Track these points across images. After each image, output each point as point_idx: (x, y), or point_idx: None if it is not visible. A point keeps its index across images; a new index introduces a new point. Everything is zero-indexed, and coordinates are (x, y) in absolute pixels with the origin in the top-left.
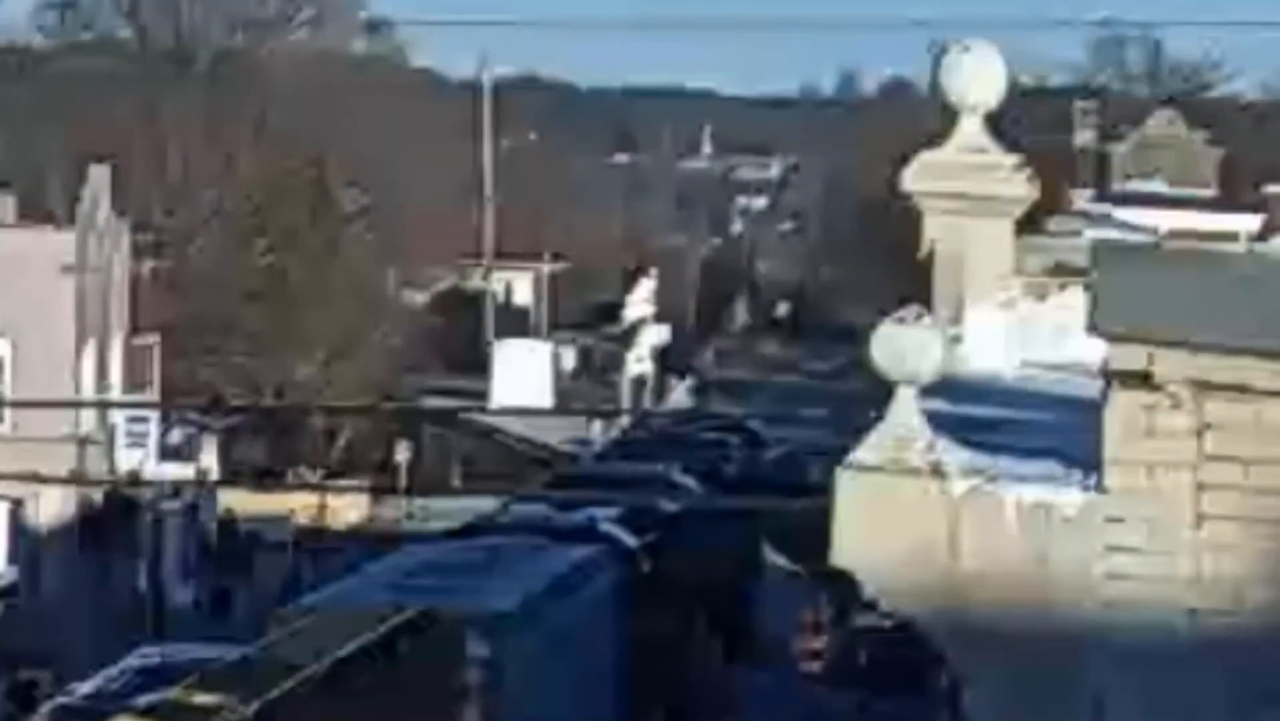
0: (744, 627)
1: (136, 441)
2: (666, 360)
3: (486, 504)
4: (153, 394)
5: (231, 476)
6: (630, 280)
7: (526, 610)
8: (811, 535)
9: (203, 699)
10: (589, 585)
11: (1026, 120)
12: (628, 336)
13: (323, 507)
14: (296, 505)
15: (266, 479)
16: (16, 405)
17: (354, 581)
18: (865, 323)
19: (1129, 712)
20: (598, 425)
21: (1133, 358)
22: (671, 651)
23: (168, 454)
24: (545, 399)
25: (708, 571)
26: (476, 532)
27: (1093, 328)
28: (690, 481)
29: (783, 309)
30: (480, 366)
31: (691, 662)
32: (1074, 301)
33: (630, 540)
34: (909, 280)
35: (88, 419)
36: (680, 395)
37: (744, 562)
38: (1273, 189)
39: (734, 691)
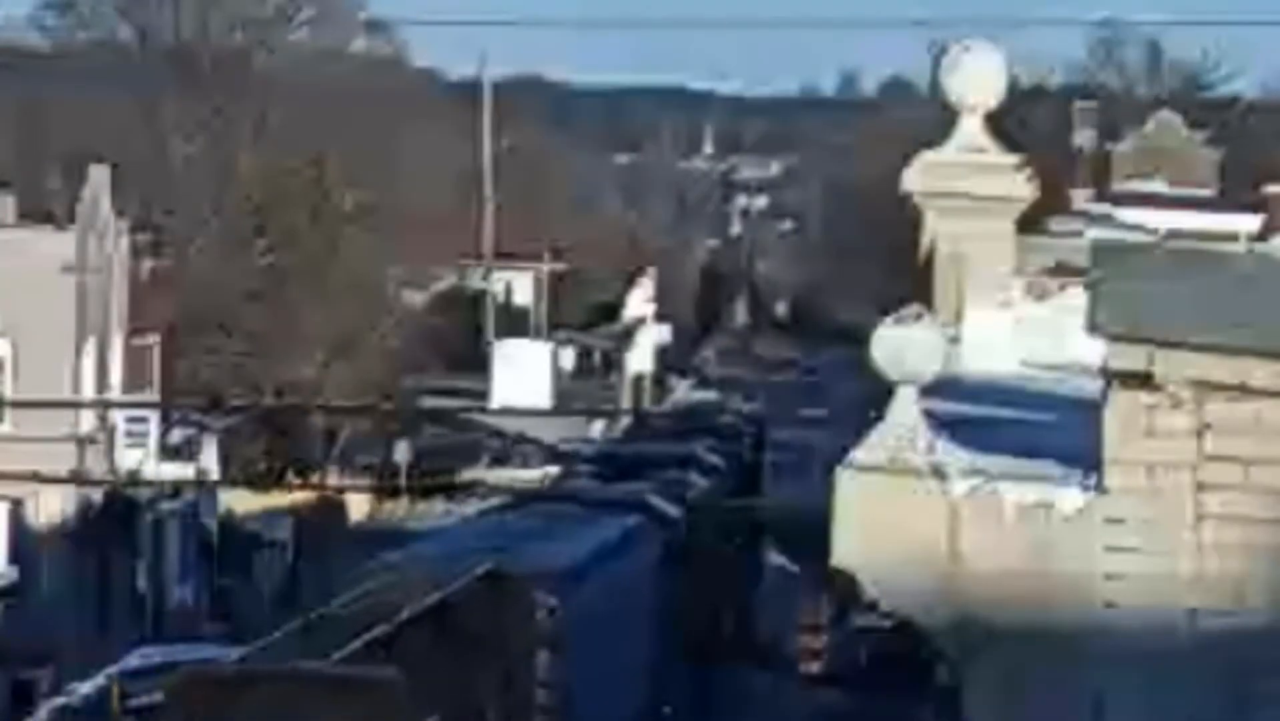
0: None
1: (136, 441)
2: (666, 359)
3: (486, 504)
4: (153, 394)
5: (231, 477)
6: (630, 280)
7: (587, 568)
8: (812, 535)
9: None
10: (639, 547)
11: (1026, 120)
12: (627, 336)
13: (322, 507)
14: (296, 504)
15: (266, 479)
16: (16, 405)
17: (433, 543)
18: (865, 322)
19: (1129, 712)
20: (598, 425)
21: (1133, 357)
22: (706, 603)
23: (168, 454)
24: (545, 399)
25: (733, 536)
26: (531, 504)
27: (1093, 328)
28: (717, 459)
29: (782, 309)
30: (480, 366)
31: (721, 616)
32: (1074, 301)
33: (672, 510)
34: (909, 280)
35: (88, 419)
36: (684, 390)
37: (757, 532)
38: (1273, 189)
39: (737, 685)
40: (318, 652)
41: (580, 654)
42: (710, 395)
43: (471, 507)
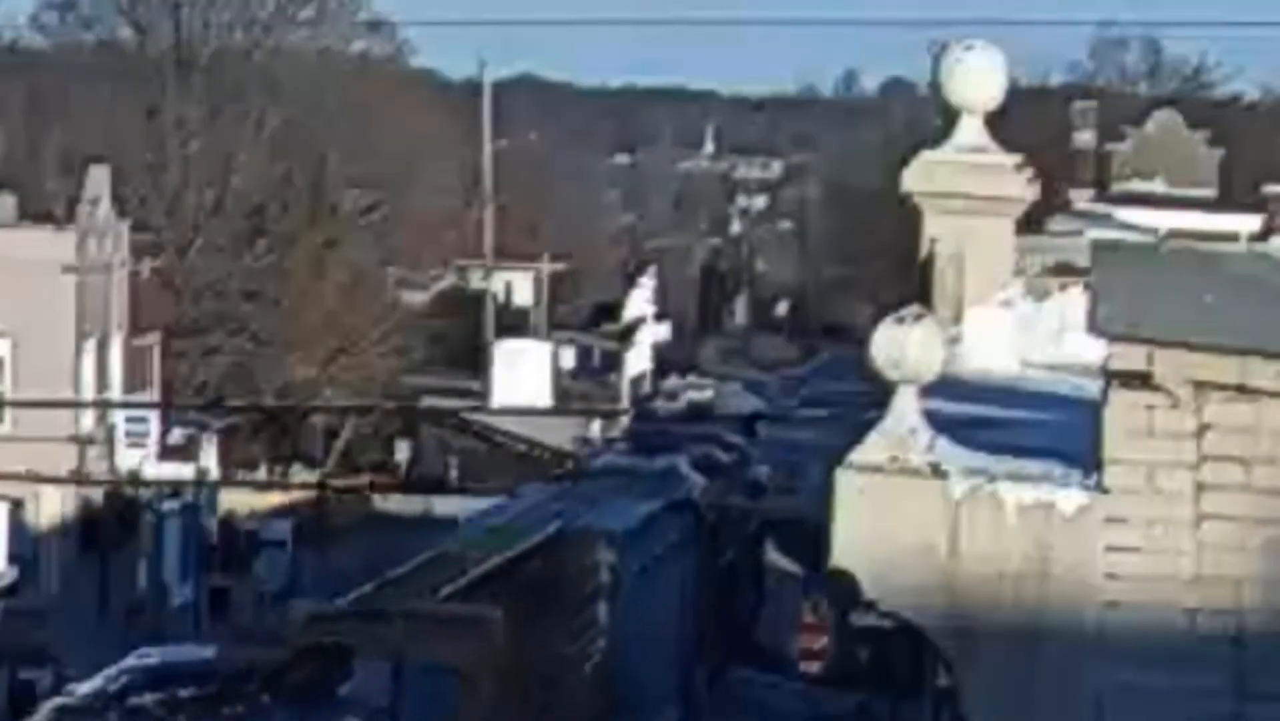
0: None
1: (136, 441)
2: (666, 359)
3: (486, 503)
4: (153, 394)
5: (232, 476)
6: (630, 280)
7: (640, 529)
8: (811, 534)
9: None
10: (679, 513)
11: (1026, 120)
12: (627, 336)
13: (322, 507)
14: (296, 504)
15: (266, 479)
16: (16, 405)
17: (502, 510)
18: (864, 323)
19: (1129, 712)
20: (597, 425)
21: (1133, 357)
22: (732, 564)
23: (168, 454)
24: (545, 399)
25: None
26: (583, 477)
27: (1093, 328)
28: (737, 438)
29: (782, 308)
30: (480, 366)
31: (745, 574)
32: (1074, 301)
33: (703, 481)
34: (909, 280)
35: (88, 419)
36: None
37: (757, 531)
38: (1273, 189)
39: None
40: (422, 594)
41: (635, 603)
42: (708, 388)
43: (479, 503)
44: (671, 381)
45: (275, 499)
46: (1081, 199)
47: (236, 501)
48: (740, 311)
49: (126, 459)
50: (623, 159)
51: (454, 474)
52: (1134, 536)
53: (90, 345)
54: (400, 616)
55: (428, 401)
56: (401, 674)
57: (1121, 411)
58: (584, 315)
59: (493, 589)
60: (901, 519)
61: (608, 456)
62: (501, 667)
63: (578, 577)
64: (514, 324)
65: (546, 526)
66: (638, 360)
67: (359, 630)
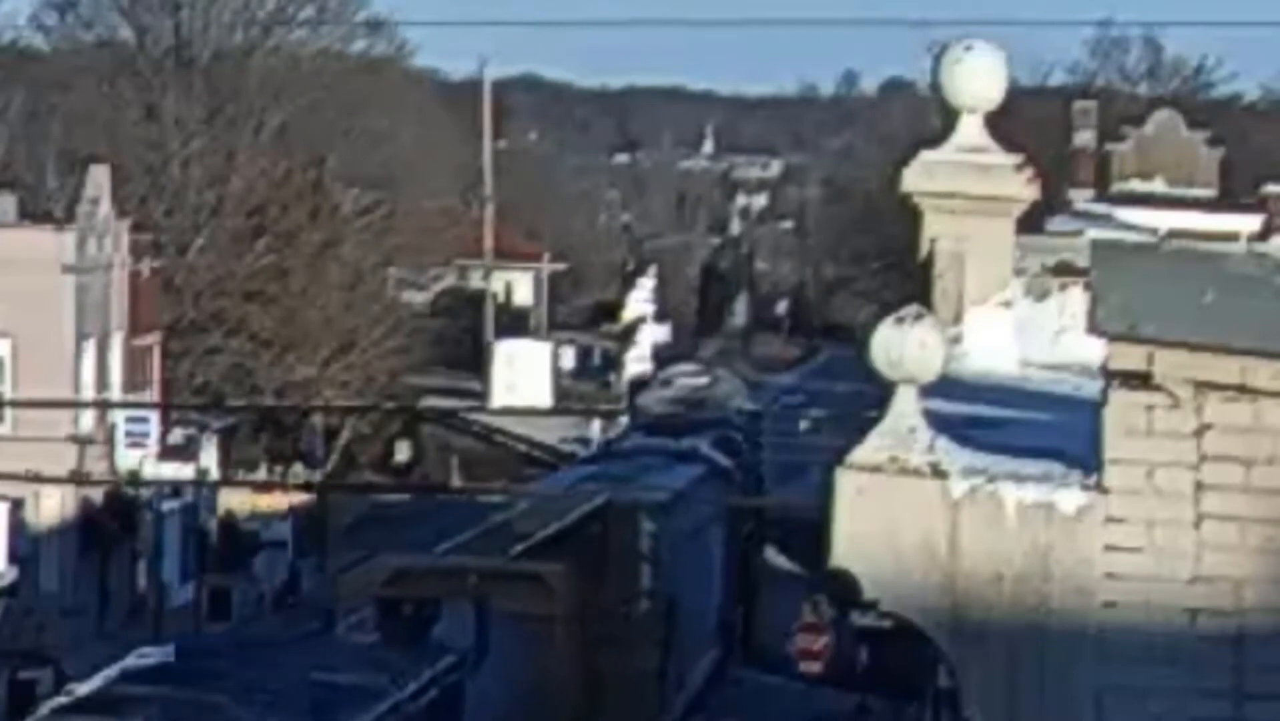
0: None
1: (136, 441)
2: (666, 359)
3: (486, 502)
4: (153, 394)
5: (232, 476)
6: (629, 280)
7: (676, 501)
8: (812, 534)
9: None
10: (706, 489)
11: (1026, 120)
12: (627, 336)
13: (322, 506)
14: (296, 504)
15: (266, 479)
16: (16, 405)
17: (550, 484)
18: (864, 322)
19: (1129, 712)
20: (597, 424)
21: (1133, 357)
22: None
23: (168, 454)
24: (545, 399)
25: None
26: (614, 457)
27: (1093, 328)
28: (749, 425)
29: (782, 308)
30: (480, 366)
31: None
32: (1074, 301)
33: (725, 460)
34: (909, 280)
35: (88, 419)
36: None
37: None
38: (1273, 189)
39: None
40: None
41: (673, 570)
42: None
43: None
44: (667, 370)
45: (275, 499)
46: (1081, 199)
47: (236, 501)
48: (740, 311)
49: (126, 459)
50: (623, 159)
51: (455, 474)
52: (1134, 536)
53: (90, 345)
54: (476, 572)
55: (428, 401)
56: (484, 618)
57: (1121, 411)
58: (584, 315)
59: (551, 553)
60: (901, 519)
61: (637, 438)
62: (569, 618)
63: (623, 545)
64: (514, 324)
65: (593, 499)
66: (638, 360)
67: (439, 585)
